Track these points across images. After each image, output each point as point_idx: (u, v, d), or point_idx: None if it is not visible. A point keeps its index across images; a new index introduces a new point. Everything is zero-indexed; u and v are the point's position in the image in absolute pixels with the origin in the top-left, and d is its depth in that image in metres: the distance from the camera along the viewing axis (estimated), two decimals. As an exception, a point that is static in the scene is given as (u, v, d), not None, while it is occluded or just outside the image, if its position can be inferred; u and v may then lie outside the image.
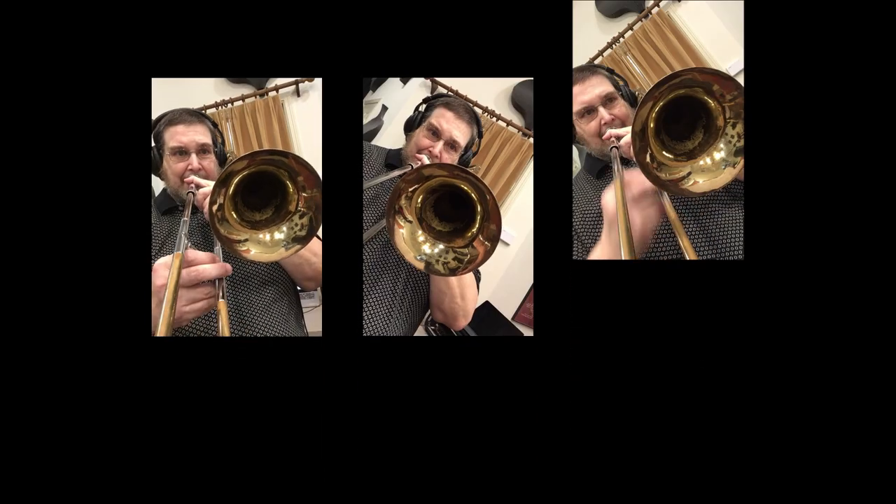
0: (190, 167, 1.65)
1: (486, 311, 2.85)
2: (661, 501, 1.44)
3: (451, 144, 1.83)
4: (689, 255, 1.30)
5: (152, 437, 1.41)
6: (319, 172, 1.38)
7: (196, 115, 1.75)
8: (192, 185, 1.59)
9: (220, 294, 1.31)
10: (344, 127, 1.53)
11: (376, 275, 1.68)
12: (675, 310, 1.44)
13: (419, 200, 1.38)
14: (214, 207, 1.33)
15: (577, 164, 1.77)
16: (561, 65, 1.53)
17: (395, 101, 3.24)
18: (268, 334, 1.55)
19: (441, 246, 1.39)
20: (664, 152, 1.34)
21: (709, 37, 2.96)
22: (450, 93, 3.01)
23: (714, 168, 1.31)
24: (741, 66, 1.57)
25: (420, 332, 1.88)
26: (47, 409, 1.40)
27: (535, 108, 1.57)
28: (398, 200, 1.36)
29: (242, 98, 3.03)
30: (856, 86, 1.42)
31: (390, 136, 3.02)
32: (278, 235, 1.40)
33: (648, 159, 1.30)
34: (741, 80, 1.40)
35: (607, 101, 1.65)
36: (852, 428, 1.41)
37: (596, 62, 3.04)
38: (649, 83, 2.92)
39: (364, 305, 1.57)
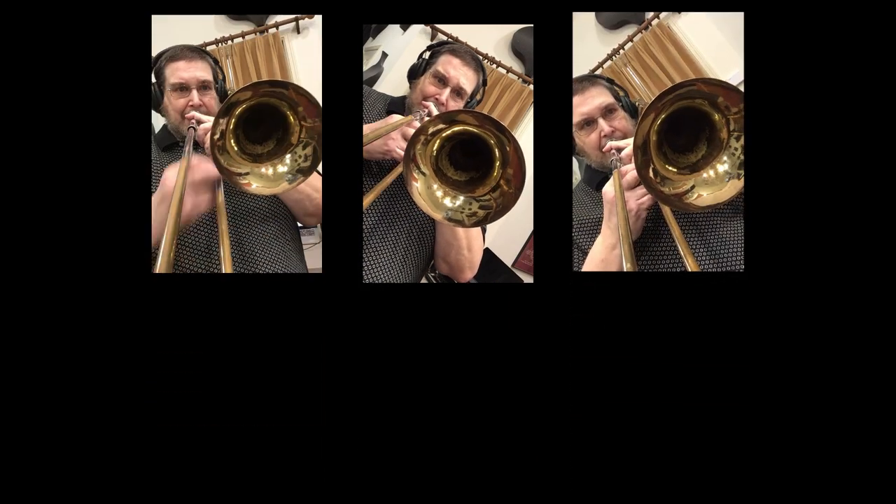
0: (191, 103, 1.66)
1: (486, 258, 2.87)
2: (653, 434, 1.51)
3: (458, 91, 1.81)
4: (691, 266, 1.33)
5: (155, 372, 1.43)
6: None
7: (197, 52, 1.74)
8: (194, 121, 1.60)
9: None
10: (343, 64, 1.56)
11: (380, 226, 1.67)
12: (676, 320, 1.49)
13: (435, 147, 1.38)
14: (216, 137, 1.37)
15: (576, 175, 1.78)
16: (560, 11, 1.56)
17: (395, 48, 3.21)
18: (270, 270, 1.57)
19: (462, 198, 1.39)
20: (668, 166, 1.37)
21: (709, 48, 2.97)
22: (451, 39, 3.01)
23: (718, 181, 1.35)
24: (741, 77, 1.60)
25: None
26: (48, 345, 1.43)
27: (534, 54, 1.60)
28: (415, 145, 1.34)
29: (242, 35, 2.98)
30: (855, 97, 1.47)
31: (390, 83, 2.96)
32: (281, 168, 1.44)
33: (651, 174, 1.34)
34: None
35: (607, 112, 1.66)
36: (850, 437, 1.47)
37: (596, 73, 3.07)
38: (650, 95, 2.98)
39: (364, 255, 1.58)
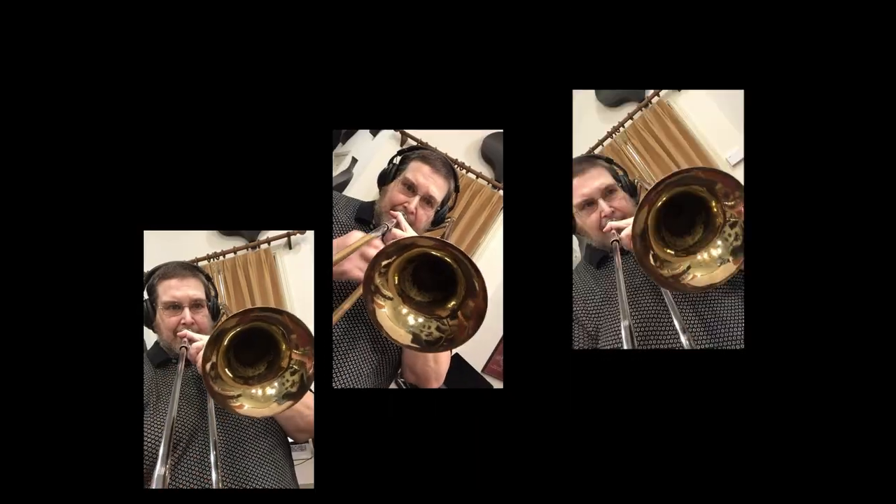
0: (183, 321, 1.70)
1: (456, 363, 2.83)
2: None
3: (428, 200, 1.79)
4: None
5: None
6: (311, 325, 1.45)
7: (189, 269, 1.80)
8: (186, 340, 1.64)
9: None
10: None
11: (344, 340, 1.65)
12: (674, 399, 1.49)
13: (396, 277, 1.40)
14: (208, 366, 1.41)
15: (577, 254, 1.80)
16: (530, 117, 1.60)
17: (364, 153, 3.30)
18: (263, 486, 1.57)
19: (422, 318, 1.42)
20: (666, 249, 1.40)
21: (709, 126, 3.01)
22: (421, 145, 3.05)
23: (711, 263, 1.38)
24: (741, 155, 1.61)
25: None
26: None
27: (504, 159, 1.63)
28: (373, 280, 1.37)
29: (234, 250, 3.11)
30: (856, 173, 1.49)
31: (360, 188, 3.03)
32: (270, 391, 1.48)
33: (651, 260, 1.37)
34: (741, 169, 1.50)
35: (607, 193, 1.69)
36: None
37: (596, 151, 3.09)
38: (650, 172, 3.01)
39: (334, 363, 1.57)
